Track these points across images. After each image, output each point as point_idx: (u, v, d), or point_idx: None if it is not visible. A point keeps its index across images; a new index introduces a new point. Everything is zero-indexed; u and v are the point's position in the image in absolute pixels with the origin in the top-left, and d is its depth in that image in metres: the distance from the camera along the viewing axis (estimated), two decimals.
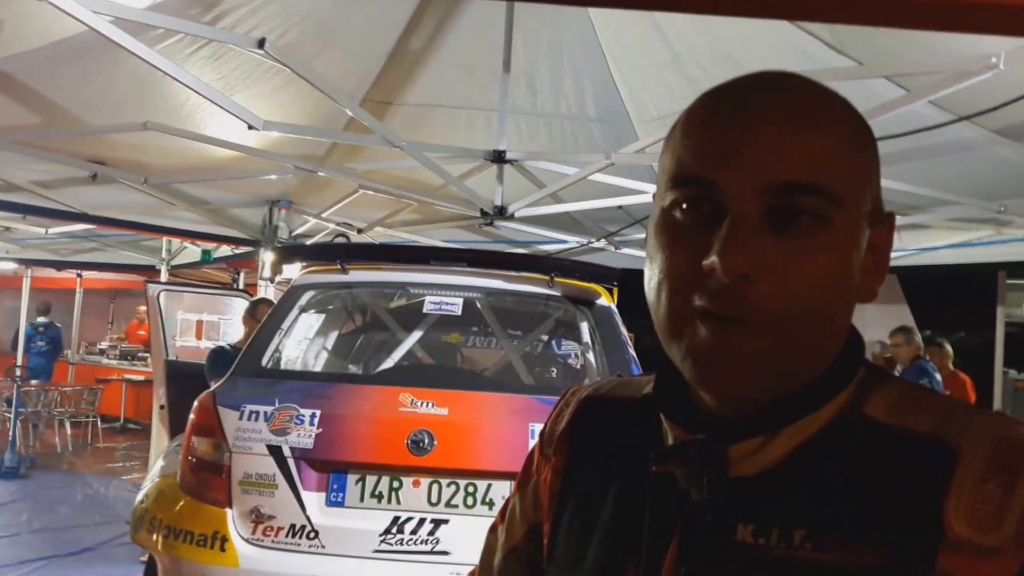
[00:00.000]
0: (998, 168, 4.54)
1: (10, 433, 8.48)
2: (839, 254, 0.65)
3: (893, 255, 0.75)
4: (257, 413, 3.07)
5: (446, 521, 2.96)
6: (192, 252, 9.21)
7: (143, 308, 13.27)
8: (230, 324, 6.77)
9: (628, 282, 3.95)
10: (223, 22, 4.12)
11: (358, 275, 3.68)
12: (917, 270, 5.85)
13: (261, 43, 3.47)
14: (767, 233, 0.63)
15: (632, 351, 3.45)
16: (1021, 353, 7.27)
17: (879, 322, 6.55)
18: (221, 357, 5.00)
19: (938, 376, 5.93)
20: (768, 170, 0.63)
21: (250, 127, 3.91)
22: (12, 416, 8.61)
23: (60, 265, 11.42)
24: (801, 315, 0.63)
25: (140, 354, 12.19)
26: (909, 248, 5.70)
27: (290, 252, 4.75)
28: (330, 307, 4.12)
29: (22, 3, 3.57)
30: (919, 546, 0.61)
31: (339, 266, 3.63)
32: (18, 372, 9.43)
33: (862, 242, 0.67)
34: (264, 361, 3.39)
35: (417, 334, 3.77)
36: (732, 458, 0.69)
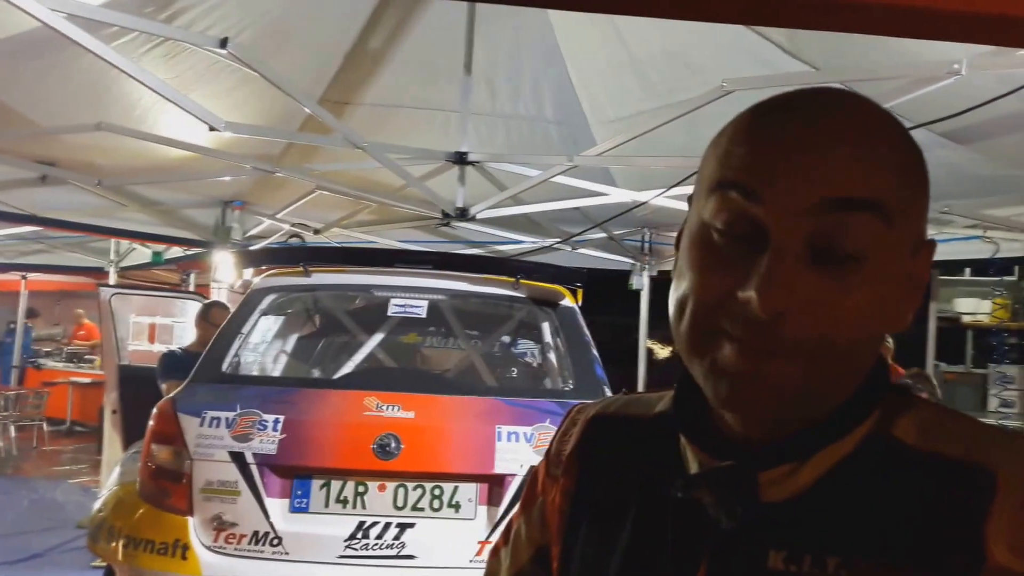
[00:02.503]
0: (942, 170, 4.66)
1: None
2: (880, 286, 0.63)
3: None
4: (218, 419, 3.03)
5: (412, 525, 2.96)
6: (141, 254, 9.02)
7: (81, 311, 13.14)
8: (183, 327, 6.67)
9: (592, 283, 4.00)
10: (179, 20, 4.05)
11: (321, 278, 3.66)
12: None
13: (223, 43, 3.41)
14: (807, 265, 0.61)
15: (595, 352, 3.49)
16: (950, 347, 7.53)
17: None
18: (173, 361, 4.93)
19: None
20: (819, 184, 0.61)
21: (211, 128, 3.84)
22: None
23: (4, 268, 11.13)
24: (834, 347, 0.62)
25: (87, 356, 11.98)
26: None
27: (255, 255, 4.69)
28: (292, 310, 4.09)
29: None
30: (961, 574, 0.60)
31: (302, 269, 3.60)
32: None
33: (902, 273, 0.66)
34: (224, 366, 3.36)
35: (383, 337, 3.75)
36: (761, 484, 0.68)
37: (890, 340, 6.43)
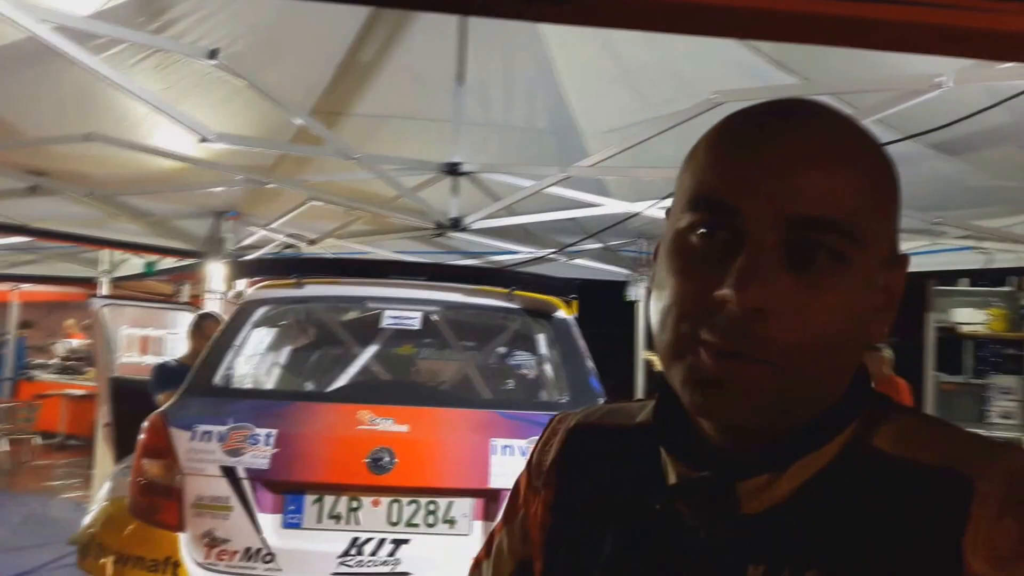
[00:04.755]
0: (935, 181, 4.66)
1: None
2: (854, 294, 0.63)
3: None
4: (210, 433, 3.00)
5: (406, 541, 2.93)
6: (134, 264, 8.98)
7: (70, 322, 13.07)
8: (175, 339, 6.63)
9: (587, 294, 3.99)
10: (170, 31, 4.04)
11: (314, 289, 3.63)
12: None
13: (213, 54, 3.40)
14: (783, 267, 0.62)
15: (591, 363, 3.47)
16: (949, 357, 7.52)
17: None
18: (166, 373, 4.91)
19: None
20: (792, 203, 0.62)
21: (203, 139, 3.82)
22: None
23: None
24: (809, 353, 0.62)
25: (82, 368, 11.91)
26: None
27: (247, 266, 4.67)
28: (285, 323, 4.06)
29: None
30: None
31: (294, 280, 3.58)
32: None
33: (878, 283, 0.66)
34: (216, 379, 3.33)
35: (376, 349, 3.73)
36: (740, 495, 0.67)
37: (888, 351, 6.40)
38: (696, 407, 0.66)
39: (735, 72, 4.05)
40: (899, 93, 3.30)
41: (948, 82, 3.02)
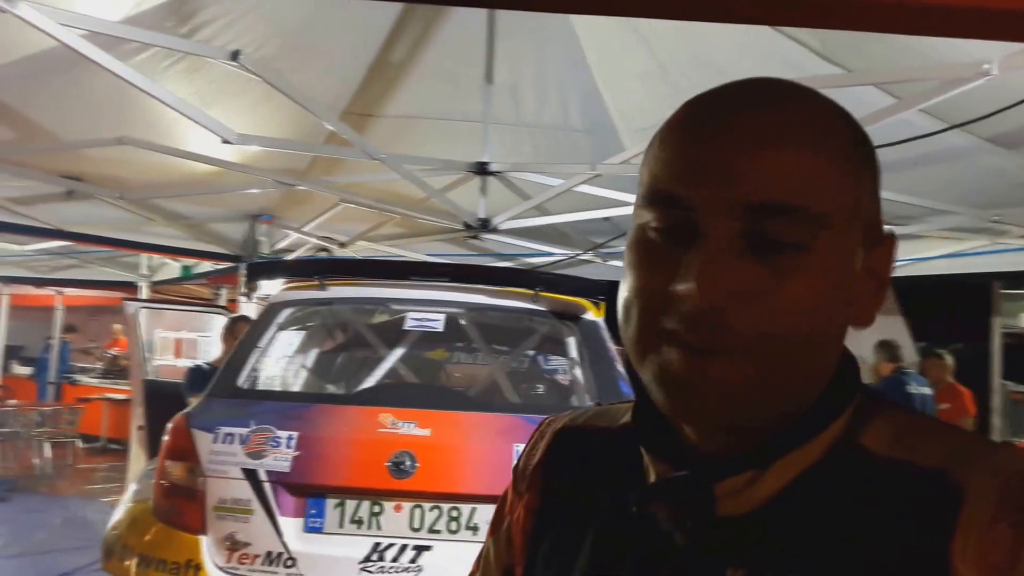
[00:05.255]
0: (991, 177, 4.49)
1: None
2: (824, 278, 0.60)
3: None
4: (232, 435, 2.96)
5: (429, 547, 2.85)
6: (173, 268, 9.08)
7: (118, 327, 13.26)
8: (209, 342, 6.66)
9: (615, 295, 3.88)
10: (200, 35, 4.03)
11: (337, 291, 3.58)
12: (912, 280, 5.78)
13: (235, 55, 3.37)
14: (745, 256, 0.59)
15: (620, 366, 3.36)
16: (1018, 365, 7.18)
17: (874, 334, 6.44)
18: (199, 376, 4.93)
19: (914, 389, 5.73)
20: (743, 190, 0.59)
21: (224, 141, 3.80)
22: None
23: (38, 283, 11.28)
24: (782, 343, 0.59)
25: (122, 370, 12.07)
26: (903, 259, 5.62)
27: (266, 268, 4.63)
28: (309, 325, 4.01)
29: None
30: None
31: (317, 282, 3.53)
32: None
33: (854, 265, 0.62)
34: (240, 381, 3.29)
35: (399, 352, 3.66)
36: (718, 496, 0.64)
37: (949, 357, 6.17)
38: (666, 408, 0.63)
39: (775, 64, 3.93)
40: (944, 81, 3.17)
41: (994, 69, 2.88)
